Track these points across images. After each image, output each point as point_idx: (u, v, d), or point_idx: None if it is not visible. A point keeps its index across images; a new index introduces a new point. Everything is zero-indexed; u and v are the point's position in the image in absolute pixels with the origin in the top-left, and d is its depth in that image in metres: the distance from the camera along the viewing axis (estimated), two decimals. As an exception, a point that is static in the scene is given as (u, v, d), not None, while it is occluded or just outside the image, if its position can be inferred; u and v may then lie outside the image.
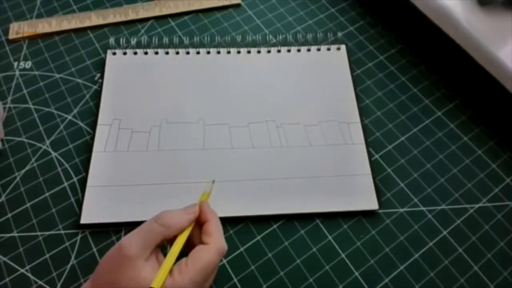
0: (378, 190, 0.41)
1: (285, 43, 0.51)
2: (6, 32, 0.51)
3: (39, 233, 0.39)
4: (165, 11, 0.53)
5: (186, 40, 0.50)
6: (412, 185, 0.42)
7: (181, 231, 0.31)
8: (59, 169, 0.42)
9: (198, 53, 0.49)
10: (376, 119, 0.46)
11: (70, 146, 0.43)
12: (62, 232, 0.39)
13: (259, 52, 0.49)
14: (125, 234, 0.39)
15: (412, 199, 0.41)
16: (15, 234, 0.39)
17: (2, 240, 0.38)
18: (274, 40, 0.51)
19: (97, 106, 0.45)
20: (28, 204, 0.40)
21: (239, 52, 0.49)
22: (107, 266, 0.29)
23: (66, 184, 0.41)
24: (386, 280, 0.37)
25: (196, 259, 0.29)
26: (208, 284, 0.31)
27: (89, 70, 0.48)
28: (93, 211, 0.39)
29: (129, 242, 0.29)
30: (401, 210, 0.41)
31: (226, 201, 0.39)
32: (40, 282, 0.37)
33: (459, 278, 0.37)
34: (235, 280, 0.37)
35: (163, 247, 0.31)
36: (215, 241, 0.30)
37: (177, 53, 0.49)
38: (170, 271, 0.29)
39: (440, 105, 0.47)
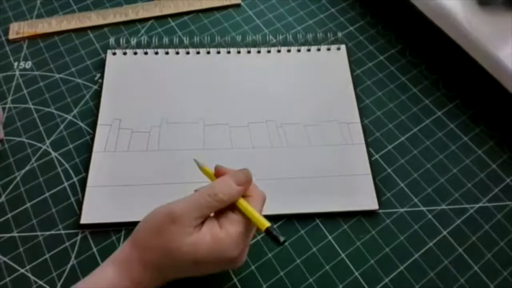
0: (378, 190, 0.41)
1: (285, 43, 0.51)
2: (6, 32, 0.51)
3: (39, 233, 0.39)
4: (165, 11, 0.53)
5: (186, 40, 0.50)
6: (412, 185, 0.42)
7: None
8: (59, 169, 0.42)
9: (198, 53, 0.49)
10: (376, 119, 0.46)
11: (70, 146, 0.43)
12: (62, 232, 0.39)
13: (259, 52, 0.49)
14: (125, 234, 0.39)
15: (412, 199, 0.41)
16: (15, 234, 0.39)
17: (2, 240, 0.38)
18: (274, 40, 0.51)
19: (97, 106, 0.45)
20: (28, 204, 0.40)
21: (239, 52, 0.49)
22: (155, 230, 0.30)
23: (66, 184, 0.41)
24: (386, 280, 0.37)
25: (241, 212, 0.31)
26: (250, 239, 0.33)
27: (89, 70, 0.48)
28: (93, 211, 0.39)
29: (182, 212, 0.30)
30: (401, 210, 0.40)
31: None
32: (40, 282, 0.36)
33: (459, 278, 0.37)
34: (235, 280, 0.37)
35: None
36: (256, 192, 0.33)
37: (177, 53, 0.49)
38: (220, 224, 0.30)
39: (440, 105, 0.47)
